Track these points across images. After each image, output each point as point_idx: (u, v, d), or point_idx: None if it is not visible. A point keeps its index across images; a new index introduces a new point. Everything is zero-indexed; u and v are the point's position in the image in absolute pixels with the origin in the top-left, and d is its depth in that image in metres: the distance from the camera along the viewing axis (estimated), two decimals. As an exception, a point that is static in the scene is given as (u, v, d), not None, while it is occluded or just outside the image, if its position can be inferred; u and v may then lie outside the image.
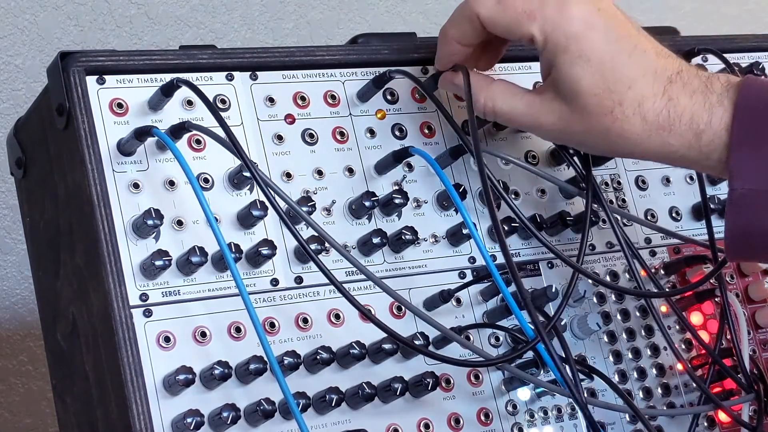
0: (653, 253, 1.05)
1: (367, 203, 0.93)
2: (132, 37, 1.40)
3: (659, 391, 1.02)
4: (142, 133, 0.87)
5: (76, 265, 0.89)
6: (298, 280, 0.92)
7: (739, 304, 1.05)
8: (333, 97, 0.97)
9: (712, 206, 1.04)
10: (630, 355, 1.02)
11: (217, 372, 0.85)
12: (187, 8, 1.43)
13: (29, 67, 1.35)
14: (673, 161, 0.90)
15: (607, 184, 1.05)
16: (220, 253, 0.86)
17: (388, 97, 0.99)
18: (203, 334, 0.87)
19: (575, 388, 0.89)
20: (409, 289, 0.95)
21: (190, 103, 0.91)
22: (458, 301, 0.96)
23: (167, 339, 0.86)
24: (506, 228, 0.97)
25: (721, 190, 1.09)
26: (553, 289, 0.95)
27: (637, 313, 1.03)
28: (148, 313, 0.86)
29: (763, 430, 1.01)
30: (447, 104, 0.99)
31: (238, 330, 0.88)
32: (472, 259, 0.98)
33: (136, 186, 0.88)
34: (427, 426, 0.92)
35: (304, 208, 0.90)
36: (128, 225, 0.87)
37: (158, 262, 0.86)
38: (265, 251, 0.89)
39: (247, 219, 0.90)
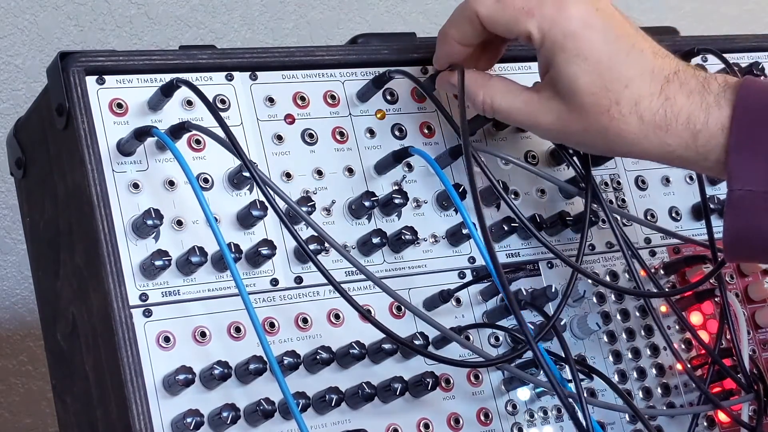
0: (653, 253, 1.05)
1: (366, 203, 0.93)
2: (132, 37, 1.40)
3: (659, 391, 1.02)
4: (141, 133, 0.87)
5: (76, 265, 0.89)
6: (298, 280, 0.92)
7: (738, 304, 1.04)
8: (333, 97, 0.97)
9: (711, 206, 1.04)
10: (630, 355, 1.02)
11: (216, 372, 0.85)
12: (187, 8, 1.43)
13: (29, 67, 1.35)
14: (671, 161, 0.90)
15: (606, 184, 1.05)
16: (220, 253, 0.86)
17: (388, 97, 0.99)
18: (203, 334, 0.87)
19: (559, 388, 0.88)
20: (408, 289, 0.95)
21: (189, 103, 0.91)
22: (458, 301, 0.96)
23: (167, 339, 0.86)
24: (506, 228, 0.97)
25: (721, 190, 1.09)
26: (553, 289, 0.96)
27: (637, 313, 1.03)
28: (147, 313, 0.86)
29: (762, 430, 1.01)
30: (447, 104, 0.99)
31: (237, 330, 0.88)
32: (472, 259, 0.98)
33: (135, 186, 0.88)
34: (426, 426, 0.92)
35: (304, 208, 0.90)
36: (128, 225, 0.87)
37: (158, 262, 0.86)
38: (264, 251, 0.89)
39: (246, 219, 0.90)
